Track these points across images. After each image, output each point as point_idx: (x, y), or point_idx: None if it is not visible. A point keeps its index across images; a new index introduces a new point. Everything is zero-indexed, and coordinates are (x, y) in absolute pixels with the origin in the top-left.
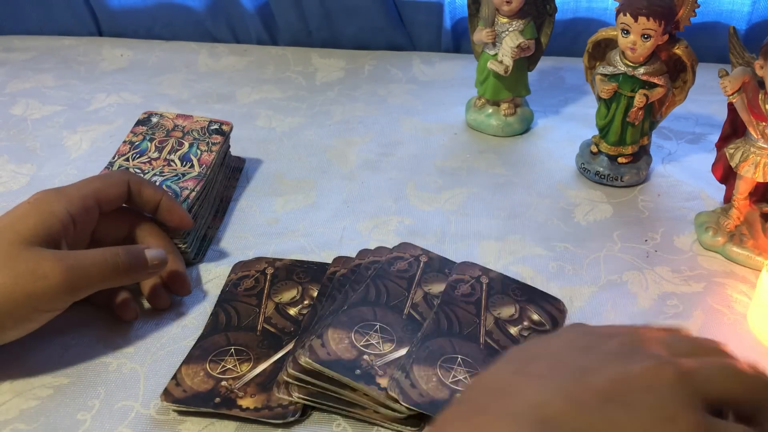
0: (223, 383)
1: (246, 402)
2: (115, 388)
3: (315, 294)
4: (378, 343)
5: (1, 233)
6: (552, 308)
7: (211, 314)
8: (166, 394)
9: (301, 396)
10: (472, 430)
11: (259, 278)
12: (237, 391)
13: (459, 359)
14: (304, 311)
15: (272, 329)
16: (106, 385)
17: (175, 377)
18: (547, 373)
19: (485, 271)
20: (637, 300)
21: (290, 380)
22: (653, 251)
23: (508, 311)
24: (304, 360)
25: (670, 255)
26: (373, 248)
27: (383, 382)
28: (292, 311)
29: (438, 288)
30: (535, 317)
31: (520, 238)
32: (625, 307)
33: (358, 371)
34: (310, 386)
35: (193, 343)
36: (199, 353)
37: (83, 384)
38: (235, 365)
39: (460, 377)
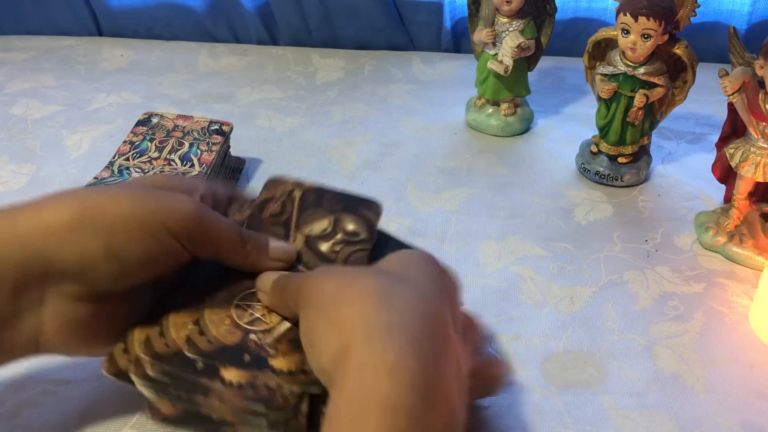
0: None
1: (278, 363)
2: (118, 387)
3: (350, 227)
4: (264, 315)
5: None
6: (369, 213)
7: None
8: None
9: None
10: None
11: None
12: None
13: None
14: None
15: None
16: (110, 384)
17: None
18: None
19: (298, 184)
20: (638, 300)
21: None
22: (653, 251)
23: (320, 226)
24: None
25: (671, 255)
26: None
27: (277, 362)
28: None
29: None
30: (350, 227)
31: (520, 238)
32: (626, 307)
33: (247, 357)
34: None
35: None
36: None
37: (86, 383)
38: (264, 314)
39: (258, 315)
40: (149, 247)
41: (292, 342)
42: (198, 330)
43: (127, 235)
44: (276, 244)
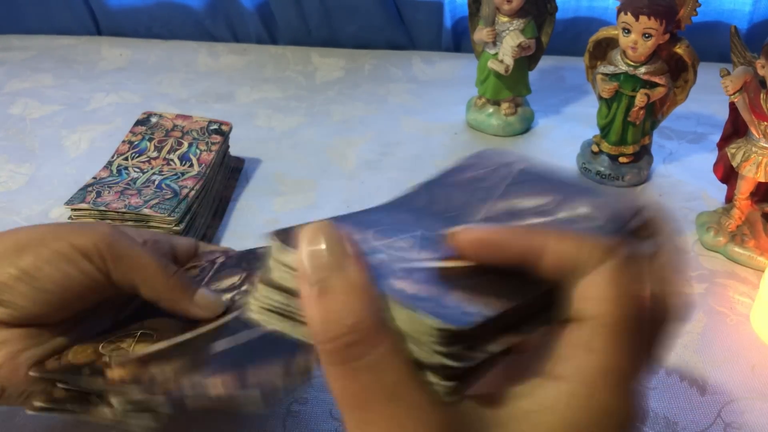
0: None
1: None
2: None
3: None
4: (129, 346)
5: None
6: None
7: None
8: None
9: None
10: None
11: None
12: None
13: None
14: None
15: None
16: None
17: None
18: None
19: (225, 251)
20: None
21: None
22: None
23: (229, 281)
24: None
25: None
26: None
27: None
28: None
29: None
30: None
31: None
32: None
33: (87, 370)
34: None
35: None
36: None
37: None
38: (130, 346)
39: (123, 346)
40: (60, 266)
41: (140, 360)
42: (57, 356)
43: (36, 254)
44: (205, 292)
